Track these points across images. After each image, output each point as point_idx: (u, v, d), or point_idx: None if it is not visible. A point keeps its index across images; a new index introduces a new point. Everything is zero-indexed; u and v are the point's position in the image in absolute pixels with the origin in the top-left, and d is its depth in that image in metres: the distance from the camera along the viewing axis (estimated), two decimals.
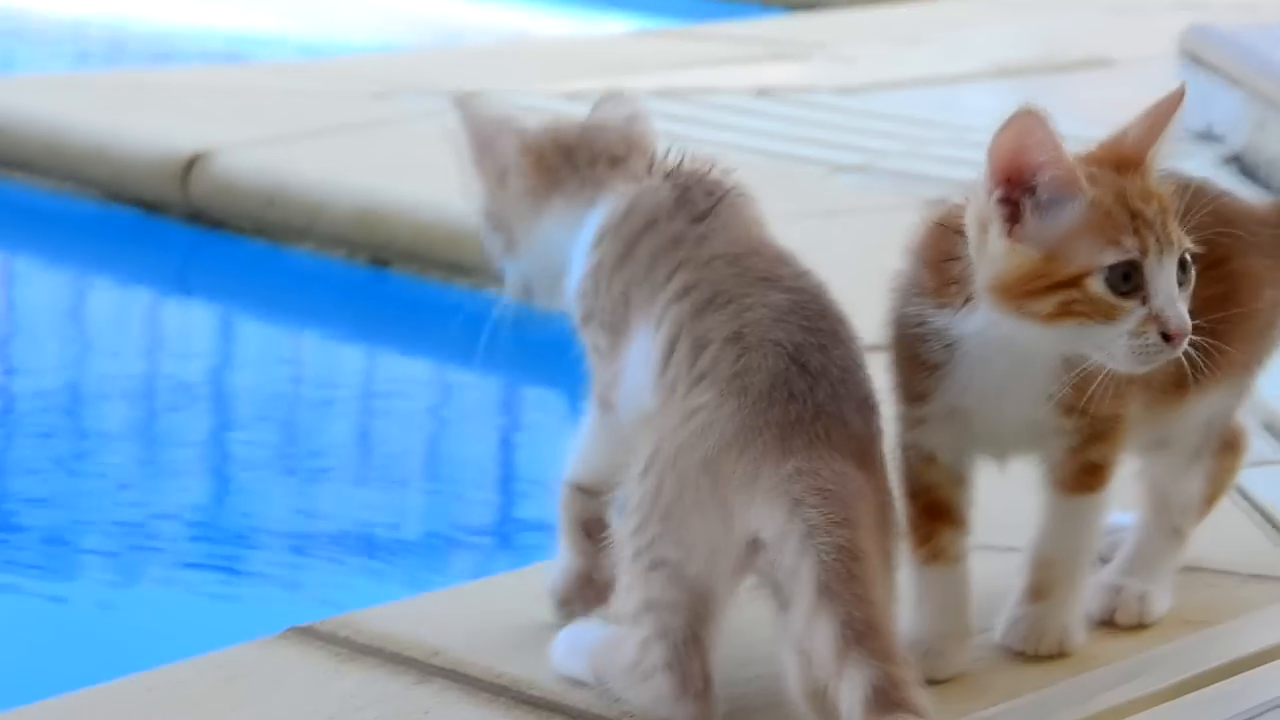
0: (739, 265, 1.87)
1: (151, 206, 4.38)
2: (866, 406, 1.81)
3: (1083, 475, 1.90)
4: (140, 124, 4.56)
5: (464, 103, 2.05)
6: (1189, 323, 1.76)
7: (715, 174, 1.97)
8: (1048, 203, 1.77)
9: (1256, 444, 2.63)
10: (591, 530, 1.94)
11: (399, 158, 4.41)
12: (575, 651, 1.88)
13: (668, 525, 1.76)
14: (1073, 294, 1.75)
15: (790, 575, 1.68)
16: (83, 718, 1.82)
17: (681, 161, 1.97)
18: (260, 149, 4.39)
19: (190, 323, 4.32)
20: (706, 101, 5.09)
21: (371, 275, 4.07)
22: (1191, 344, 1.81)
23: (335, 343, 4.11)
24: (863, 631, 1.63)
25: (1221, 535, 2.28)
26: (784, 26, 6.74)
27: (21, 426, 3.54)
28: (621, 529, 1.80)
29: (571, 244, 1.95)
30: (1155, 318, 1.75)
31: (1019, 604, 1.97)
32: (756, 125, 4.83)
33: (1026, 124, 1.77)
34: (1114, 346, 1.76)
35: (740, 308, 1.82)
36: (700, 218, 1.91)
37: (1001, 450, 1.94)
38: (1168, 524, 2.08)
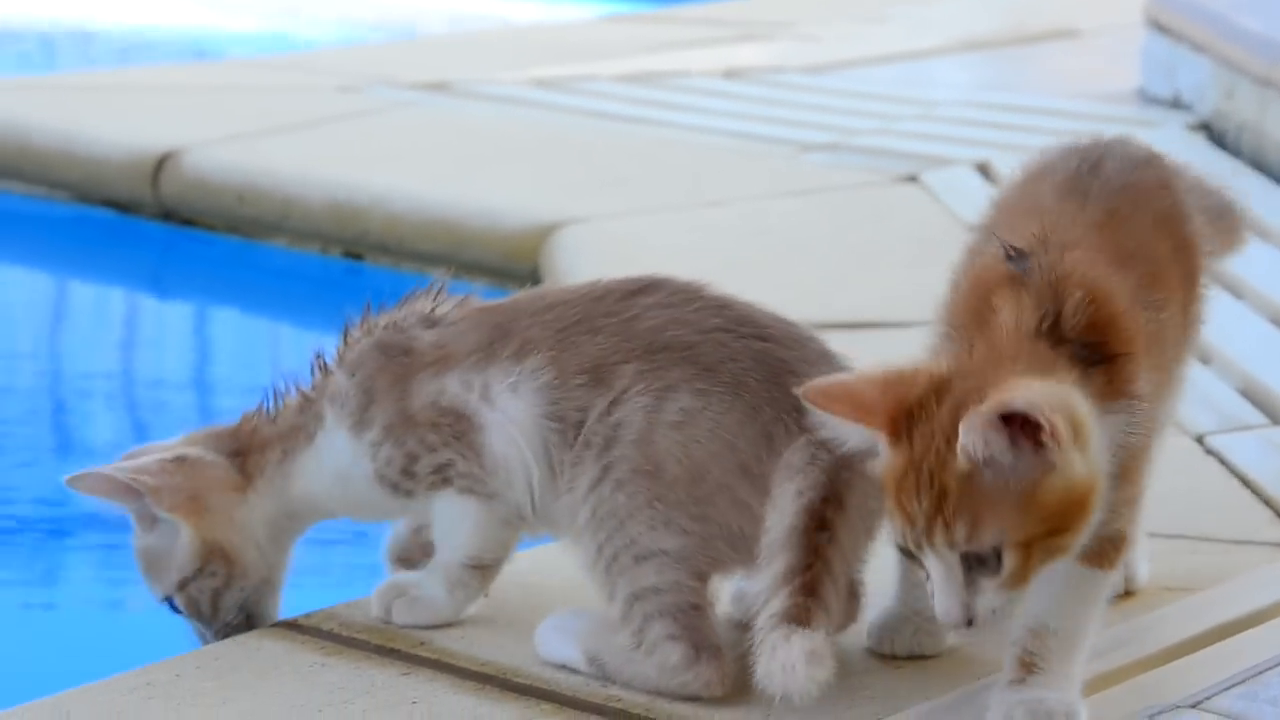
0: (547, 308, 1.93)
1: (124, 206, 4.38)
2: (828, 358, 1.88)
3: (1105, 547, 1.72)
4: (110, 124, 4.55)
5: (80, 480, 2.00)
6: (959, 614, 1.62)
7: (396, 307, 2.01)
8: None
9: (1237, 410, 2.64)
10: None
11: (369, 150, 4.41)
12: (564, 637, 1.89)
13: (661, 518, 1.81)
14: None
15: (772, 536, 1.76)
16: (84, 712, 1.82)
17: (352, 329, 2.01)
18: (230, 146, 4.39)
19: (166, 320, 4.32)
20: (676, 85, 5.09)
21: (345, 267, 4.07)
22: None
23: (311, 336, 4.11)
24: (803, 582, 1.72)
25: (1203, 502, 2.29)
26: (751, 8, 6.74)
27: (2, 427, 3.54)
28: (585, 547, 1.85)
29: (288, 510, 2.00)
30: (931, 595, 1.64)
31: (1011, 687, 1.74)
32: (726, 107, 4.84)
33: (814, 396, 1.67)
34: None
35: (619, 325, 1.89)
36: (433, 321, 1.97)
37: None
38: None
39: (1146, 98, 4.76)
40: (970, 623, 1.62)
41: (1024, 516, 1.58)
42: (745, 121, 4.67)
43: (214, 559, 1.99)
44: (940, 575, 1.61)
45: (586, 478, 1.85)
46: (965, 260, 1.80)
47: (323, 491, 2.00)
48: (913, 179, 4.09)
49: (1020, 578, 1.61)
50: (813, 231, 3.76)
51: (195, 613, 2.01)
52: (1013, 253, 1.69)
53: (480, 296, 2.02)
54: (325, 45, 6.80)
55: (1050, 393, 1.58)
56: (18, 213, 4.47)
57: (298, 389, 2.01)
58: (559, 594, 2.00)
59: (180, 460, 1.99)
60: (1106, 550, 1.71)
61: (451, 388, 1.93)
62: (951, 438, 1.58)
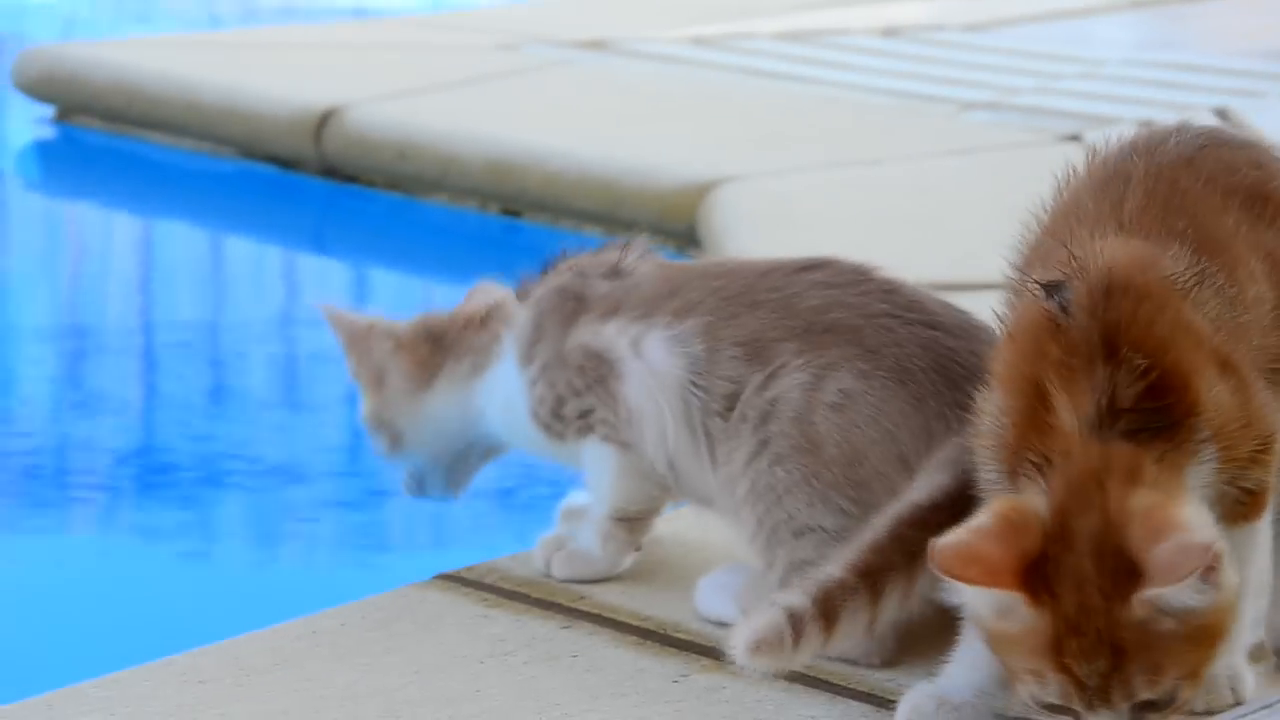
0: (717, 276, 1.93)
1: (287, 163, 4.44)
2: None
3: (1236, 505, 1.65)
4: (273, 82, 4.62)
5: (330, 313, 2.10)
6: None
7: (590, 253, 2.02)
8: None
9: None
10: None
11: (527, 108, 4.43)
12: (722, 594, 1.90)
13: (819, 496, 1.81)
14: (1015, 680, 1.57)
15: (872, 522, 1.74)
16: (254, 658, 1.87)
17: (551, 265, 2.03)
18: (391, 103, 4.43)
19: (326, 275, 4.38)
20: (833, 43, 5.07)
21: (503, 225, 4.10)
22: None
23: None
24: (854, 565, 1.70)
25: None
26: None
27: (165, 379, 3.61)
28: (745, 519, 1.85)
29: (463, 419, 2.04)
30: None
31: None
32: (884, 65, 4.81)
33: (949, 564, 1.54)
34: None
35: (782, 300, 1.87)
36: (616, 272, 1.98)
37: None
38: None
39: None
40: None
41: (1195, 646, 1.52)
42: (904, 79, 4.64)
43: (381, 428, 2.06)
44: None
45: (744, 451, 1.85)
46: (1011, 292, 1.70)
47: (494, 415, 2.03)
48: (1075, 138, 4.04)
49: (1187, 705, 1.55)
50: (973, 191, 3.73)
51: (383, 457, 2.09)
52: (1048, 290, 1.61)
53: (660, 255, 2.03)
54: (484, 4, 6.84)
55: (1197, 514, 1.53)
56: (185, 168, 4.56)
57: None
58: (718, 551, 2.01)
59: (397, 337, 2.06)
60: (1244, 504, 1.64)
61: (606, 333, 1.95)
62: (1109, 590, 1.49)
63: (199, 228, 4.57)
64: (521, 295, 2.03)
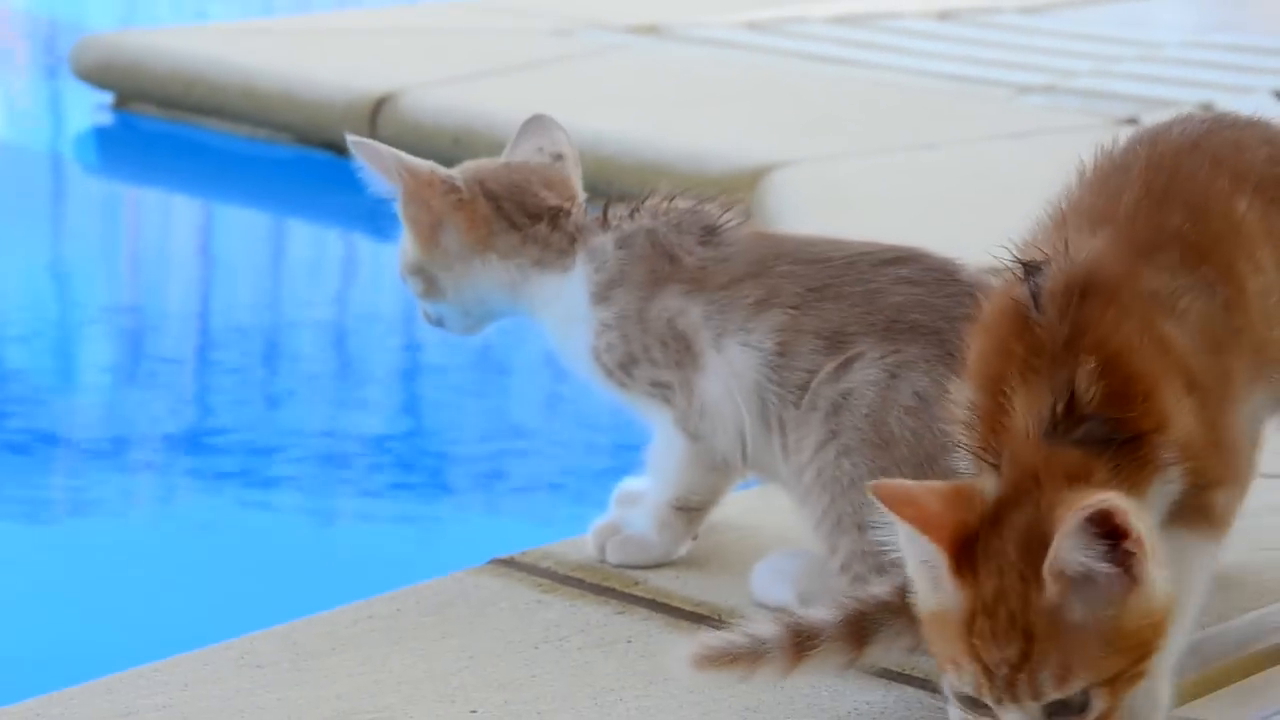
0: (806, 263, 1.90)
1: (342, 148, 4.44)
2: None
3: (1195, 512, 1.59)
4: (329, 68, 4.64)
5: (368, 150, 2.04)
6: None
7: (688, 203, 1.97)
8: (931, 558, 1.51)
9: None
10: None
11: (580, 93, 4.44)
12: (778, 578, 1.90)
13: None
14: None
15: None
16: (310, 642, 1.88)
17: (645, 201, 1.98)
18: (445, 89, 4.44)
19: (382, 259, 4.39)
20: (887, 27, 5.05)
21: None
22: None
23: None
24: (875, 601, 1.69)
25: None
26: None
27: (222, 363, 3.63)
28: (811, 507, 1.85)
29: (510, 297, 2.00)
30: None
31: None
32: (939, 49, 4.79)
33: (884, 496, 1.52)
34: None
35: (865, 294, 1.85)
36: (713, 235, 1.94)
37: None
38: None
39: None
40: None
41: (1112, 651, 1.46)
42: (959, 63, 4.62)
43: (419, 276, 2.01)
44: None
45: (813, 439, 1.84)
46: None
47: (547, 318, 2.00)
48: (1133, 121, 4.01)
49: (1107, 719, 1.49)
50: (1029, 175, 3.70)
51: None
52: (1026, 270, 1.57)
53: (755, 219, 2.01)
54: None
55: (1126, 501, 1.47)
56: (242, 155, 4.59)
57: (582, 223, 1.99)
58: (773, 536, 2.01)
59: (459, 192, 1.99)
60: (1202, 516, 1.59)
61: (692, 314, 1.92)
62: (1027, 573, 1.46)
63: (256, 213, 4.59)
64: (604, 223, 1.97)
